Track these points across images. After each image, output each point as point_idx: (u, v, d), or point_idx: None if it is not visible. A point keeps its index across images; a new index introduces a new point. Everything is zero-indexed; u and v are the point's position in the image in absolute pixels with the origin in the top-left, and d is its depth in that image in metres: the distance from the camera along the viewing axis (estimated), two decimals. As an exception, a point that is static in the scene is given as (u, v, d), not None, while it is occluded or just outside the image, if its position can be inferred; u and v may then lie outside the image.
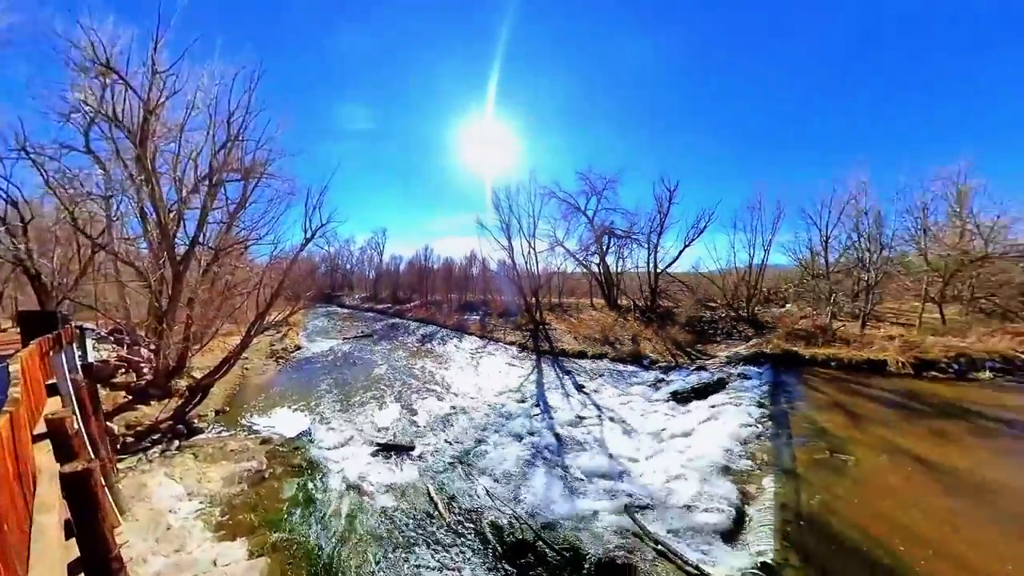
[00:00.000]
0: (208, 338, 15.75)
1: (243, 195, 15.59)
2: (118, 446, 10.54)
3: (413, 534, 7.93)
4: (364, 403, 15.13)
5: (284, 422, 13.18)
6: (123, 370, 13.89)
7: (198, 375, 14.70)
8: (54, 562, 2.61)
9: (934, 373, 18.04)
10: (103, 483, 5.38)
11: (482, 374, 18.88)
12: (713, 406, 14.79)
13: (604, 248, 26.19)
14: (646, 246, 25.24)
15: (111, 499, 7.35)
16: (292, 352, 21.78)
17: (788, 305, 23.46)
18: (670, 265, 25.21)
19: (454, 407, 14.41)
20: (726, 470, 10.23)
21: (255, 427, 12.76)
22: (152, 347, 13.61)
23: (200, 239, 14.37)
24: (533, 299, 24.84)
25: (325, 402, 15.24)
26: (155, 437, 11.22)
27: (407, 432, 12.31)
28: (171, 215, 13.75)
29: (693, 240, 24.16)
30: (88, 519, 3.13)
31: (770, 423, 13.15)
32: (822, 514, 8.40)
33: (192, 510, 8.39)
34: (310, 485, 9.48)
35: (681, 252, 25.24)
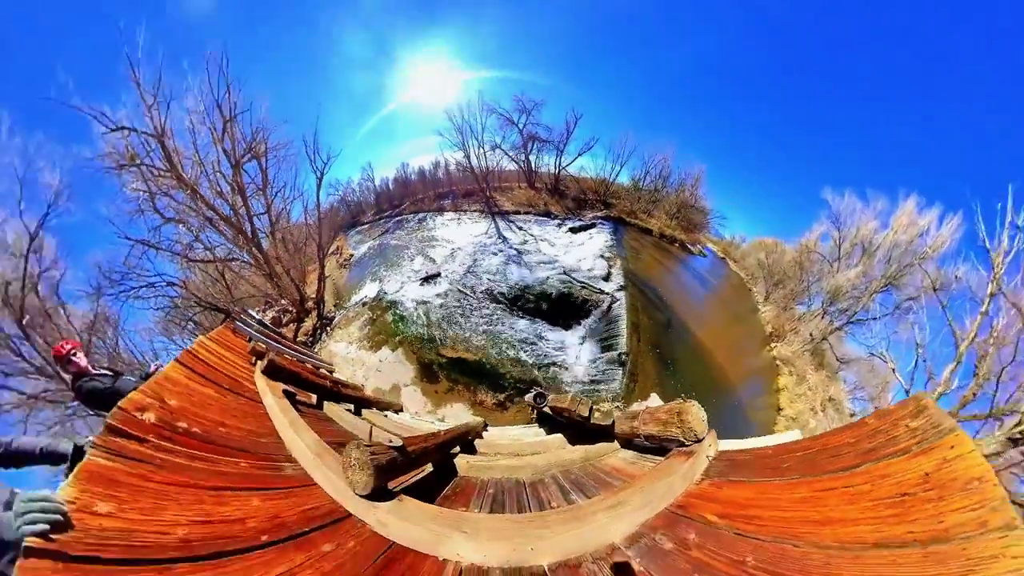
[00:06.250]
0: (305, 272, 16.27)
1: (261, 171, 12.94)
2: (308, 342, 12.74)
3: (460, 309, 12.42)
4: (401, 263, 18.09)
5: (367, 291, 15.86)
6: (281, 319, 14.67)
7: (312, 292, 15.98)
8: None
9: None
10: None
11: (463, 229, 22.86)
12: (590, 235, 21.49)
13: (528, 149, 33.08)
14: (556, 151, 33.18)
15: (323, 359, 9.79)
16: (349, 259, 23.52)
17: (620, 200, 33.40)
18: (568, 165, 33.95)
19: (454, 248, 18.39)
20: (601, 256, 16.01)
21: (354, 301, 15.44)
22: (282, 298, 14.27)
23: (254, 221, 12.74)
24: (486, 183, 30.85)
25: (381, 272, 17.80)
26: (319, 332, 13.48)
27: (432, 268, 16.02)
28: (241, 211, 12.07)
29: (583, 153, 33.22)
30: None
31: (614, 242, 19.72)
32: (636, 271, 14.96)
33: (354, 348, 11.80)
34: (398, 310, 13.27)
35: (574, 159, 33.83)
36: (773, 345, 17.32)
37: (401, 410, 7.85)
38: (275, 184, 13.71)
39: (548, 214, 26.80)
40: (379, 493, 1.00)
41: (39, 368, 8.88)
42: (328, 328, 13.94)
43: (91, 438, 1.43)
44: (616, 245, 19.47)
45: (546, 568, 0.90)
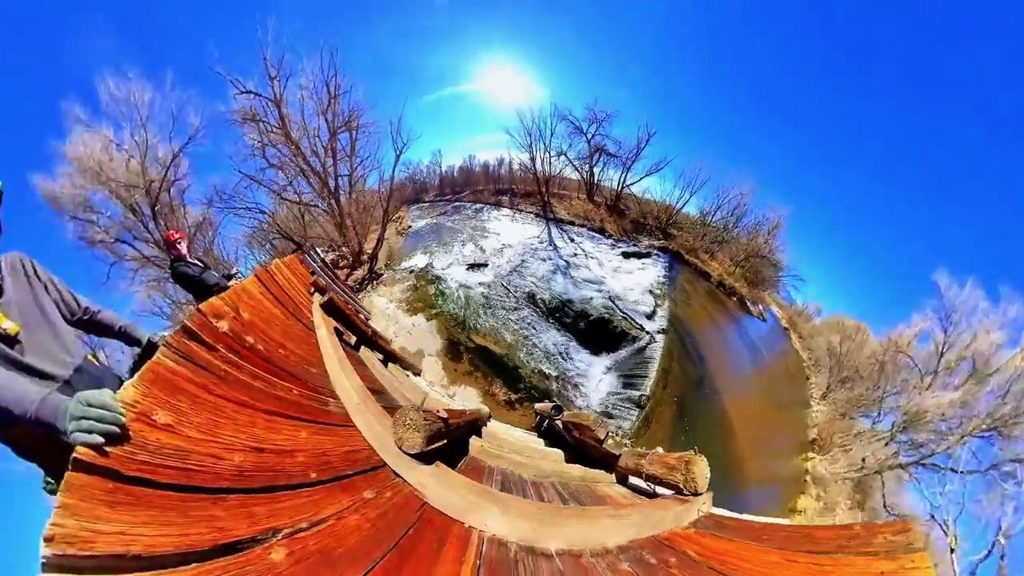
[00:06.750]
0: (367, 231, 18.14)
1: (351, 142, 15.96)
2: (355, 288, 13.84)
3: (499, 303, 12.55)
4: (453, 245, 18.94)
5: (416, 261, 16.90)
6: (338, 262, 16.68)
7: (369, 248, 17.57)
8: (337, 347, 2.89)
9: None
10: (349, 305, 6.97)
11: (516, 227, 23.05)
12: (643, 264, 20.13)
13: (593, 161, 31.28)
14: (622, 167, 30.76)
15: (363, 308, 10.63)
16: (407, 229, 25.26)
17: (681, 232, 30.25)
18: (632, 184, 31.31)
19: (504, 244, 18.71)
20: (650, 291, 15.30)
21: (403, 266, 16.46)
22: (344, 247, 16.59)
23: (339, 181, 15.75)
24: (545, 187, 30.08)
25: (433, 248, 18.90)
26: (365, 283, 14.70)
27: (481, 257, 16.53)
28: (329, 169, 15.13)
29: (651, 174, 30.34)
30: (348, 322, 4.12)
31: (667, 279, 18.47)
32: (682, 318, 14.19)
33: (393, 306, 12.49)
34: (440, 286, 13.80)
35: (640, 179, 31.34)
36: (811, 456, 13.52)
37: (419, 374, 8.13)
38: (360, 154, 16.55)
39: (602, 231, 25.47)
40: (421, 456, 1.05)
41: (156, 241, 12.59)
42: (374, 282, 14.99)
43: (164, 335, 1.41)
44: (668, 283, 18.30)
45: (553, 551, 1.01)
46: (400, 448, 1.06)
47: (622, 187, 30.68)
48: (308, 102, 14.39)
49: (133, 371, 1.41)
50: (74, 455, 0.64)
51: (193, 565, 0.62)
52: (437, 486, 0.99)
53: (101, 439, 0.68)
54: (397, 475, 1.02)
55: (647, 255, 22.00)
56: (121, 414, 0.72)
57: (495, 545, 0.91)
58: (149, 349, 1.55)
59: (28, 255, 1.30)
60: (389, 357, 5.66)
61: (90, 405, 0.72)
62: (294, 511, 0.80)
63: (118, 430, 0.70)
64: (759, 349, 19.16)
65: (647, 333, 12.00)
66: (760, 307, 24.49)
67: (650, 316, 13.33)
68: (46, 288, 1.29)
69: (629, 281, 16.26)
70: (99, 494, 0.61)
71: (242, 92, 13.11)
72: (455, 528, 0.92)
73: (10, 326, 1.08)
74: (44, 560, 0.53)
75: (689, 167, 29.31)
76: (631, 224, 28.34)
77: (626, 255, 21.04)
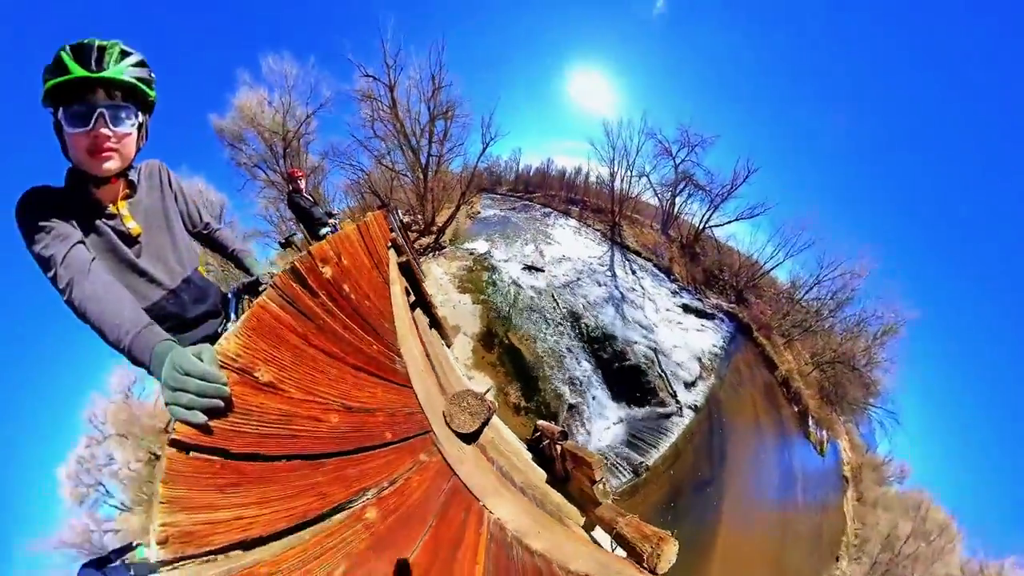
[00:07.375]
0: (442, 207, 20.40)
1: (445, 129, 18.66)
2: (418, 252, 15.62)
3: (544, 311, 12.73)
4: (515, 241, 19.81)
5: (478, 246, 18.11)
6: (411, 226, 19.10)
7: (440, 222, 19.61)
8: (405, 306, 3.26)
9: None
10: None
11: (580, 241, 22.82)
12: (702, 326, 18.37)
13: (677, 190, 28.16)
14: (708, 203, 26.58)
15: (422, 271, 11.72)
16: (476, 215, 26.84)
17: (759, 301, 25.76)
18: (716, 226, 26.63)
19: (564, 256, 18.86)
20: (698, 359, 14.33)
21: (465, 246, 17.83)
22: (420, 215, 19.06)
23: (430, 159, 18.55)
24: (619, 207, 28.41)
25: (495, 238, 19.83)
26: (428, 250, 16.44)
27: (539, 261, 16.97)
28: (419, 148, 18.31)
29: (742, 219, 25.03)
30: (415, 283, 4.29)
31: (723, 353, 16.74)
32: (723, 403, 13.13)
33: (447, 279, 13.37)
34: (494, 276, 14.42)
35: (727, 222, 26.37)
36: (793, 646, 8.98)
37: (450, 346, 8.60)
38: (451, 140, 19.25)
39: (668, 272, 22.99)
40: (464, 434, 1.23)
41: (281, 173, 16.60)
42: (436, 252, 16.65)
43: (272, 271, 1.35)
44: (723, 358, 16.35)
45: (535, 550, 1.14)
46: (449, 424, 1.25)
47: (703, 226, 26.16)
48: (414, 90, 17.57)
49: (237, 295, 1.45)
50: (172, 436, 0.56)
51: (305, 532, 0.61)
52: (472, 465, 1.17)
53: (204, 417, 0.59)
54: (437, 443, 1.21)
55: (710, 316, 19.50)
56: (224, 383, 0.62)
57: (498, 527, 1.05)
58: (253, 288, 1.47)
59: (168, 165, 1.30)
60: (433, 323, 6.09)
61: (188, 374, 0.61)
62: (376, 472, 0.83)
63: (222, 404, 0.61)
64: (796, 486, 14.33)
65: (677, 403, 11.24)
66: (824, 435, 17.91)
67: (688, 386, 12.47)
68: (176, 198, 1.29)
69: (680, 339, 15.28)
70: (206, 479, 0.55)
71: (364, 75, 16.50)
72: (474, 506, 1.07)
73: (133, 226, 1.09)
74: (159, 561, 0.48)
75: (791, 221, 23.78)
76: (702, 273, 24.70)
77: (686, 308, 19.11)
